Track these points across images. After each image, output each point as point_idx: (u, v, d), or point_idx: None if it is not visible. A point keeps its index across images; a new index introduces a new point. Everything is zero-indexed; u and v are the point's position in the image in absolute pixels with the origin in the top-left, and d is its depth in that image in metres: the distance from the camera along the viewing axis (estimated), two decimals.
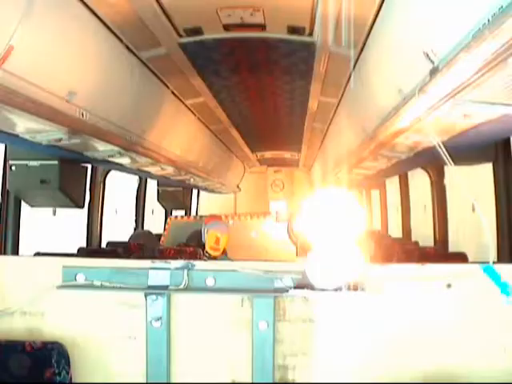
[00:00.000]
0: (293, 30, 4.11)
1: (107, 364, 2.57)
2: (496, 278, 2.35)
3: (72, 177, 5.02)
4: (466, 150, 4.01)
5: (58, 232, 8.51)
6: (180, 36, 4.20)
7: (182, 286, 2.52)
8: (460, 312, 2.46)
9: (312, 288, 2.42)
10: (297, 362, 2.51)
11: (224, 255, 5.40)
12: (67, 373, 2.43)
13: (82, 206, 5.40)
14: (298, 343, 2.51)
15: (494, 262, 2.39)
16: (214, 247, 5.25)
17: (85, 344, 2.56)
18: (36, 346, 2.40)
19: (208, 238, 5.29)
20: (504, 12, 1.82)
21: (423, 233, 7.30)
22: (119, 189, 8.99)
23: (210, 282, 2.52)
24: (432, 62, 2.52)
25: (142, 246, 6.06)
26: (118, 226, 9.13)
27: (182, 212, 11.07)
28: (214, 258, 5.18)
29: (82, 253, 5.26)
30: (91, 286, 2.53)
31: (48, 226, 7.89)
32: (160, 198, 10.29)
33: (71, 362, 2.47)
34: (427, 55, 2.53)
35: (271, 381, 2.49)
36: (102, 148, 4.38)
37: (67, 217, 6.88)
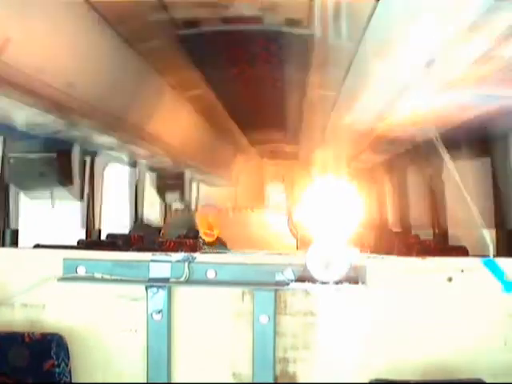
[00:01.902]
0: (291, 22, 4.11)
1: (107, 357, 2.58)
2: (496, 272, 2.36)
3: (71, 169, 5.02)
4: (464, 143, 4.01)
5: (56, 224, 8.48)
6: (178, 28, 4.20)
7: (182, 279, 2.52)
8: (461, 305, 2.47)
9: (313, 281, 2.42)
10: (298, 355, 2.52)
11: (218, 243, 5.32)
12: (66, 365, 2.43)
13: (81, 199, 5.40)
14: (299, 336, 2.52)
15: (494, 256, 2.40)
16: (208, 233, 5.20)
17: (85, 336, 2.57)
18: (35, 338, 2.40)
19: (199, 224, 5.23)
20: (499, 3, 1.82)
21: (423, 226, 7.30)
22: (119, 181, 8.96)
23: (210, 275, 2.52)
24: (429, 54, 2.53)
25: (142, 238, 6.06)
26: (117, 219, 9.11)
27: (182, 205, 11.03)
28: (210, 244, 5.13)
29: (81, 245, 5.26)
30: (92, 279, 2.53)
31: (45, 218, 7.85)
32: (159, 190, 10.25)
33: (71, 354, 2.47)
34: (424, 47, 2.53)
35: (272, 374, 2.49)
36: (100, 140, 4.38)
37: (67, 207, 6.86)
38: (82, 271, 2.54)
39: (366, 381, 2.30)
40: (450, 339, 2.47)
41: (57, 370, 2.38)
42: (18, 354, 2.38)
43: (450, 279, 2.47)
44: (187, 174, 8.42)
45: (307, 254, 2.40)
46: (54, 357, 2.39)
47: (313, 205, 2.40)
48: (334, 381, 2.48)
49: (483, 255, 2.49)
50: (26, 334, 2.40)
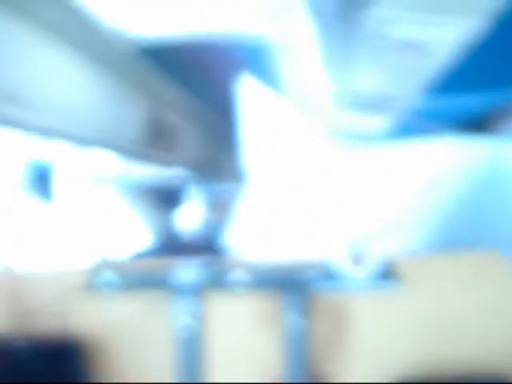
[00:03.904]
0: None
1: (135, 366, 2.55)
2: None
3: None
4: None
5: None
6: None
7: (209, 284, 2.49)
8: (498, 300, 2.40)
9: (343, 277, 2.38)
10: (331, 355, 2.47)
11: None
12: (90, 375, 2.41)
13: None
14: (332, 336, 2.47)
15: None
16: None
17: (110, 346, 2.54)
18: (57, 347, 2.38)
19: None
20: None
21: None
22: None
23: (237, 279, 2.49)
24: None
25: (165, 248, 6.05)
26: None
27: None
28: None
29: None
30: (116, 288, 2.51)
31: None
32: None
33: (96, 366, 2.45)
34: None
35: (305, 374, 2.45)
36: None
37: None
38: (106, 280, 2.51)
39: (403, 380, 2.25)
40: (489, 336, 2.40)
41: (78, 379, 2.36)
42: (35, 363, 2.37)
43: (486, 273, 2.41)
44: None
45: (336, 250, 2.35)
46: (77, 366, 2.37)
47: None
48: (369, 380, 2.43)
49: None
50: (46, 343, 2.39)
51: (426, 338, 2.50)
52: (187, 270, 2.52)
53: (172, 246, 6.47)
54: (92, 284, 2.61)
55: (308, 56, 2.20)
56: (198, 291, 2.54)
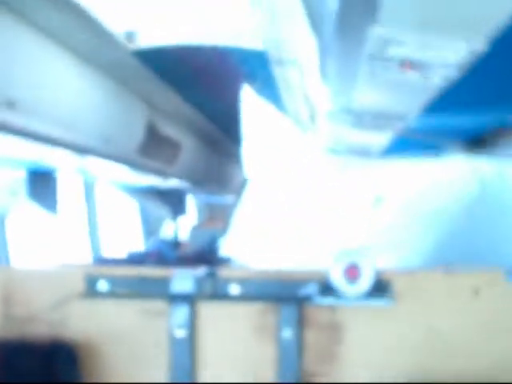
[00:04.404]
0: None
1: (129, 372, 2.55)
2: None
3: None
4: None
5: None
6: None
7: (205, 294, 2.49)
8: (488, 318, 2.41)
9: (338, 293, 2.38)
10: (323, 370, 2.47)
11: None
12: (85, 377, 2.41)
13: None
14: (325, 350, 2.47)
15: None
16: None
17: (107, 353, 2.54)
18: (53, 349, 2.38)
19: None
20: None
21: None
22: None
23: (234, 290, 2.49)
24: None
25: (160, 253, 6.02)
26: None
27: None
28: None
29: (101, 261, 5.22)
30: (114, 294, 2.50)
31: None
32: None
33: (92, 370, 2.44)
34: None
35: None
36: None
37: None
38: (103, 287, 2.51)
39: None
40: (478, 353, 2.41)
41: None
42: (31, 365, 2.36)
43: (477, 292, 2.42)
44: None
45: (331, 266, 2.36)
46: (64, 369, 2.36)
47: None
48: None
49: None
50: (41, 346, 2.38)
51: (420, 352, 2.50)
52: (183, 280, 2.53)
53: (169, 254, 6.45)
54: (89, 289, 2.62)
55: (308, 72, 2.22)
56: (193, 301, 2.55)
